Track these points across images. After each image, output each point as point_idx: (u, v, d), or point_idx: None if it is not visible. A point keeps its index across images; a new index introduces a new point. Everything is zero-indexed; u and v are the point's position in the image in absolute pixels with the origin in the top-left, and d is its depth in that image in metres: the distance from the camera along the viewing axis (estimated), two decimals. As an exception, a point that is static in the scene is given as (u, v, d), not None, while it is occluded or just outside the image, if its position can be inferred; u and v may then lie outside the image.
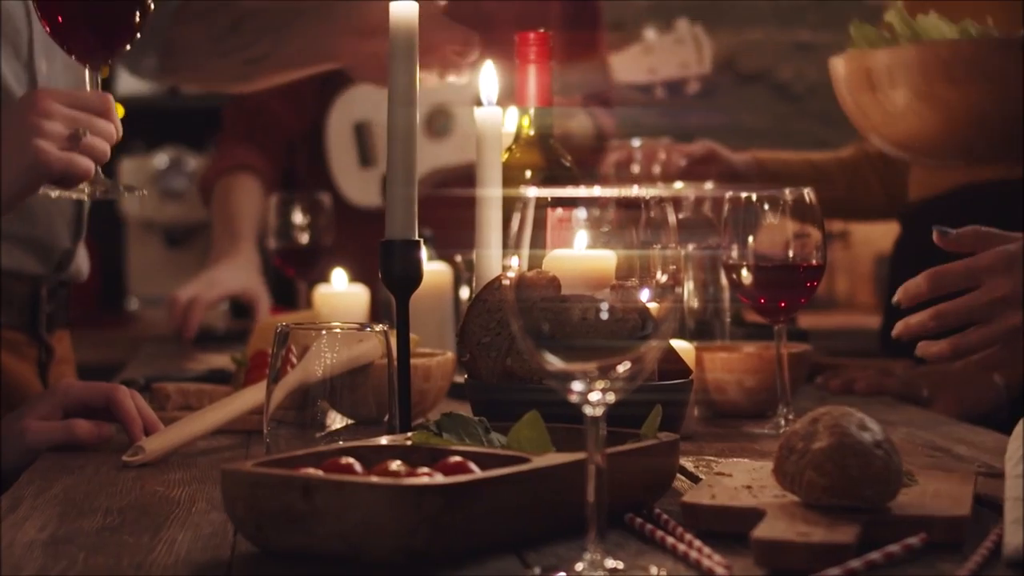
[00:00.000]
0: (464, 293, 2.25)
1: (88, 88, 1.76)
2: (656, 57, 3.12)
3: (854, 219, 3.04)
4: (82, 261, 2.21)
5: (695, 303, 2.14)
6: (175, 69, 2.41)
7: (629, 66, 3.13)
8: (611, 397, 1.02)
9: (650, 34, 3.13)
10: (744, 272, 1.79)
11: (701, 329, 2.10)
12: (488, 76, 1.80)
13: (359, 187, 3.36)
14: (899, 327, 1.60)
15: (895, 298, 1.60)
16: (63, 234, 2.12)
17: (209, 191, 3.57)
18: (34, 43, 2.06)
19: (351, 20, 2.16)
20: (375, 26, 2.08)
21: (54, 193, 1.71)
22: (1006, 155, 2.25)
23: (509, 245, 1.07)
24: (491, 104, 1.78)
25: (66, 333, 2.28)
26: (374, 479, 1.09)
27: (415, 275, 1.53)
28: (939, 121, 2.13)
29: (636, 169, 2.70)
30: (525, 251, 1.07)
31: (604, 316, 1.02)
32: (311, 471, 1.12)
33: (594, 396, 1.02)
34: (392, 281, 1.54)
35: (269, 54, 2.30)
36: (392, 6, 1.52)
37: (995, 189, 2.38)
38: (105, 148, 1.70)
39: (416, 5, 1.52)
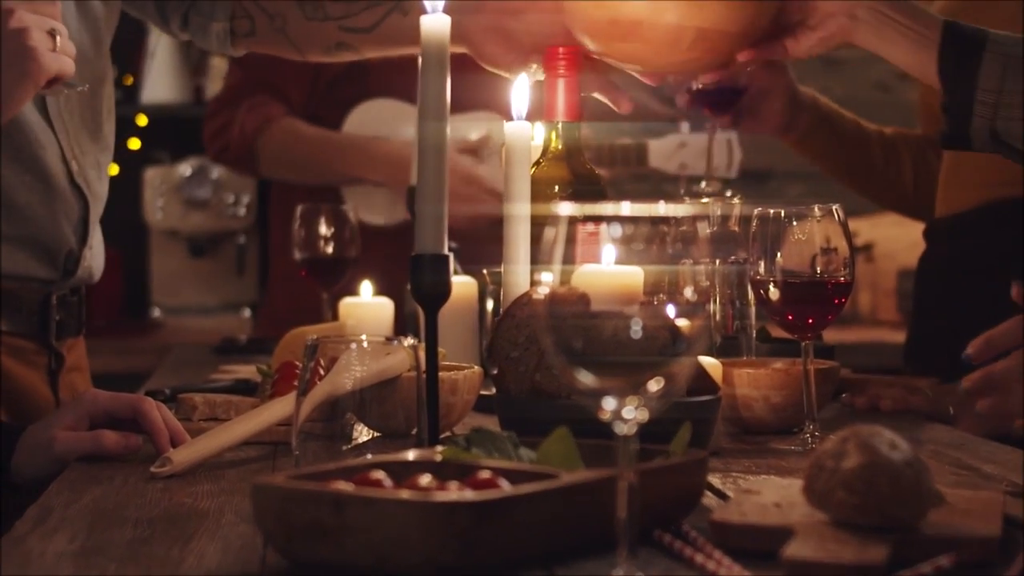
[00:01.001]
0: (490, 307, 2.25)
1: None
2: (688, 152, 3.18)
3: (882, 202, 3.00)
4: (94, 264, 2.20)
5: (721, 319, 2.13)
6: (252, 31, 2.23)
7: (663, 155, 3.19)
8: (643, 415, 1.02)
9: (684, 127, 3.20)
10: (771, 288, 1.78)
11: (727, 345, 2.10)
12: (519, 90, 1.80)
13: (366, 205, 3.36)
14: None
15: (967, 351, 1.58)
16: (68, 236, 2.12)
17: (253, 148, 3.50)
18: None
19: (494, 11, 2.05)
20: (516, 9, 2.03)
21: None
22: None
23: (540, 260, 1.07)
24: (520, 118, 1.78)
25: (79, 341, 2.27)
26: (404, 494, 1.09)
27: (444, 289, 1.53)
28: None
29: None
30: (557, 267, 1.07)
31: (636, 333, 1.02)
32: (342, 485, 1.12)
33: (626, 413, 1.02)
34: (422, 295, 1.54)
35: (374, 27, 2.17)
36: (424, 19, 1.53)
37: (1022, 206, 2.38)
38: (72, 48, 1.75)
39: (448, 19, 1.52)
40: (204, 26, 2.25)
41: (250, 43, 2.28)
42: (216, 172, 4.80)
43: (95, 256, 2.20)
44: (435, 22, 1.51)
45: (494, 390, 1.69)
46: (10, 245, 2.03)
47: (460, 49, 2.03)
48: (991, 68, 1.81)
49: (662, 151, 3.19)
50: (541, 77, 1.93)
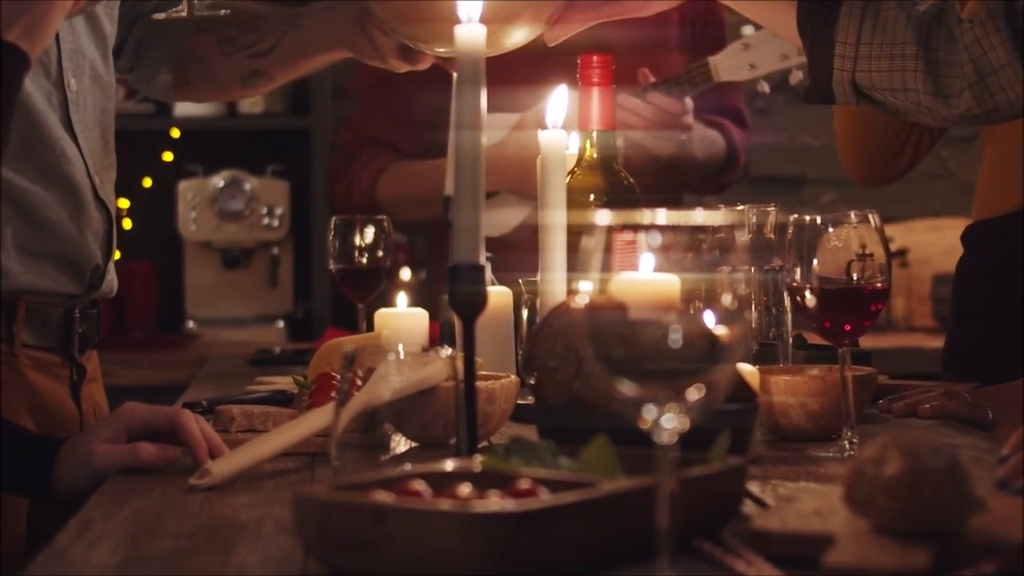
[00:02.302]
0: (525, 316, 2.24)
1: None
2: (755, 52, 3.09)
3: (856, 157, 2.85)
4: (112, 277, 2.23)
5: (758, 326, 2.13)
6: (188, 81, 2.41)
7: (729, 65, 3.11)
8: (683, 423, 1.02)
9: (747, 29, 3.10)
10: (808, 295, 1.78)
11: (764, 352, 2.09)
12: (557, 99, 1.80)
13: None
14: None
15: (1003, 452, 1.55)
16: (95, 251, 2.14)
17: (374, 200, 3.62)
18: (63, 60, 2.08)
19: (357, 11, 2.17)
20: (380, 18, 2.10)
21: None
22: None
23: (577, 269, 1.07)
24: (556, 127, 1.78)
25: (94, 353, 2.29)
26: (445, 505, 1.10)
27: (481, 299, 1.53)
28: None
29: None
30: (596, 276, 1.07)
31: (676, 341, 1.02)
32: (381, 496, 1.12)
33: (666, 422, 1.02)
34: (459, 305, 1.54)
35: (275, 46, 2.31)
36: (459, 29, 1.53)
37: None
38: None
39: (484, 28, 1.52)
40: (150, 77, 2.42)
41: (187, 92, 2.50)
42: (249, 184, 4.81)
43: (112, 271, 2.23)
44: (470, 32, 1.51)
45: (530, 399, 1.69)
46: (40, 261, 2.05)
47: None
48: (848, 20, 1.82)
49: (727, 63, 3.12)
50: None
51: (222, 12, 2.12)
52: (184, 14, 2.04)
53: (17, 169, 2.00)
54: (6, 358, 2.04)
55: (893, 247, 4.87)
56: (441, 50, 2.06)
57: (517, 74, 2.12)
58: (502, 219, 3.32)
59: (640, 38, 3.15)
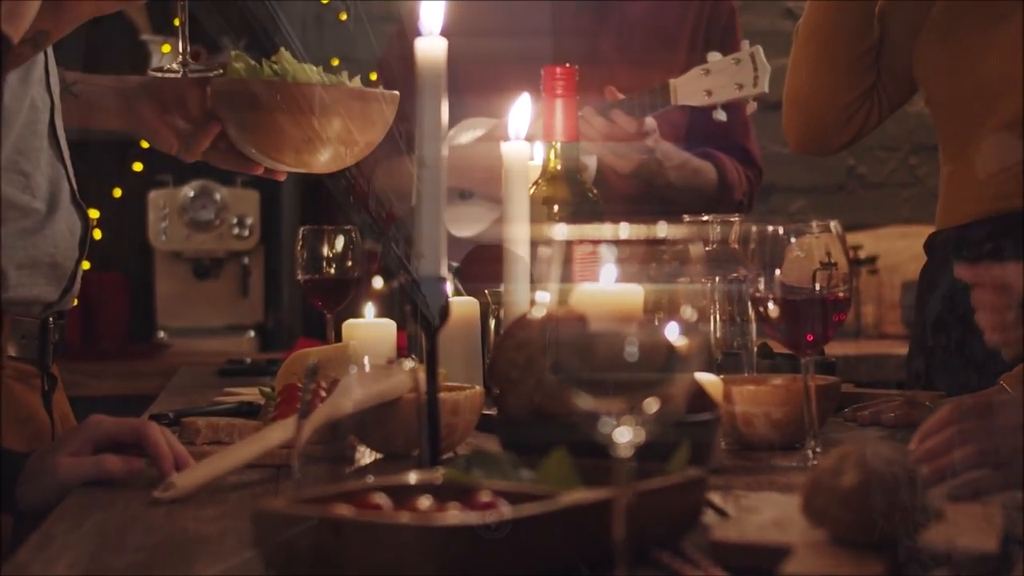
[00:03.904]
0: (492, 326, 2.25)
1: None
2: (713, 79, 3.11)
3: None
4: (79, 283, 2.24)
5: (722, 336, 2.14)
6: None
7: (688, 89, 3.12)
8: (640, 435, 1.03)
9: (714, 56, 3.12)
10: (771, 305, 1.79)
11: (728, 362, 2.10)
12: (519, 110, 1.81)
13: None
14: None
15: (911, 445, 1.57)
16: (74, 253, 2.16)
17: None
18: (48, 67, 2.12)
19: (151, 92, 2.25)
20: (168, 99, 2.22)
21: None
22: None
23: (537, 281, 1.08)
24: (518, 138, 1.79)
25: (56, 362, 2.31)
26: (403, 518, 1.10)
27: (444, 312, 1.53)
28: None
29: None
30: (555, 288, 1.08)
31: (632, 354, 1.03)
32: (342, 509, 1.12)
33: (623, 434, 1.03)
34: (421, 317, 1.54)
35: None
36: (419, 42, 1.53)
37: (1021, 219, 2.38)
38: None
39: (444, 41, 1.52)
40: None
41: None
42: (219, 194, 4.82)
43: (80, 276, 2.24)
44: (431, 44, 1.52)
45: (495, 411, 1.70)
46: (23, 270, 2.06)
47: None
48: None
49: (686, 87, 3.13)
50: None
51: (212, 74, 2.14)
52: (178, 75, 2.08)
53: (9, 169, 2.02)
54: None
55: (863, 254, 4.90)
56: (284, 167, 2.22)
57: (501, 81, 2.13)
58: (476, 217, 3.32)
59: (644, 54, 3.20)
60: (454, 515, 1.12)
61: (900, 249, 4.93)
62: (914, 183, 5.31)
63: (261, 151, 2.14)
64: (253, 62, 2.10)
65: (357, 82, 2.12)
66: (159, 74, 2.18)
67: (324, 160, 2.08)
